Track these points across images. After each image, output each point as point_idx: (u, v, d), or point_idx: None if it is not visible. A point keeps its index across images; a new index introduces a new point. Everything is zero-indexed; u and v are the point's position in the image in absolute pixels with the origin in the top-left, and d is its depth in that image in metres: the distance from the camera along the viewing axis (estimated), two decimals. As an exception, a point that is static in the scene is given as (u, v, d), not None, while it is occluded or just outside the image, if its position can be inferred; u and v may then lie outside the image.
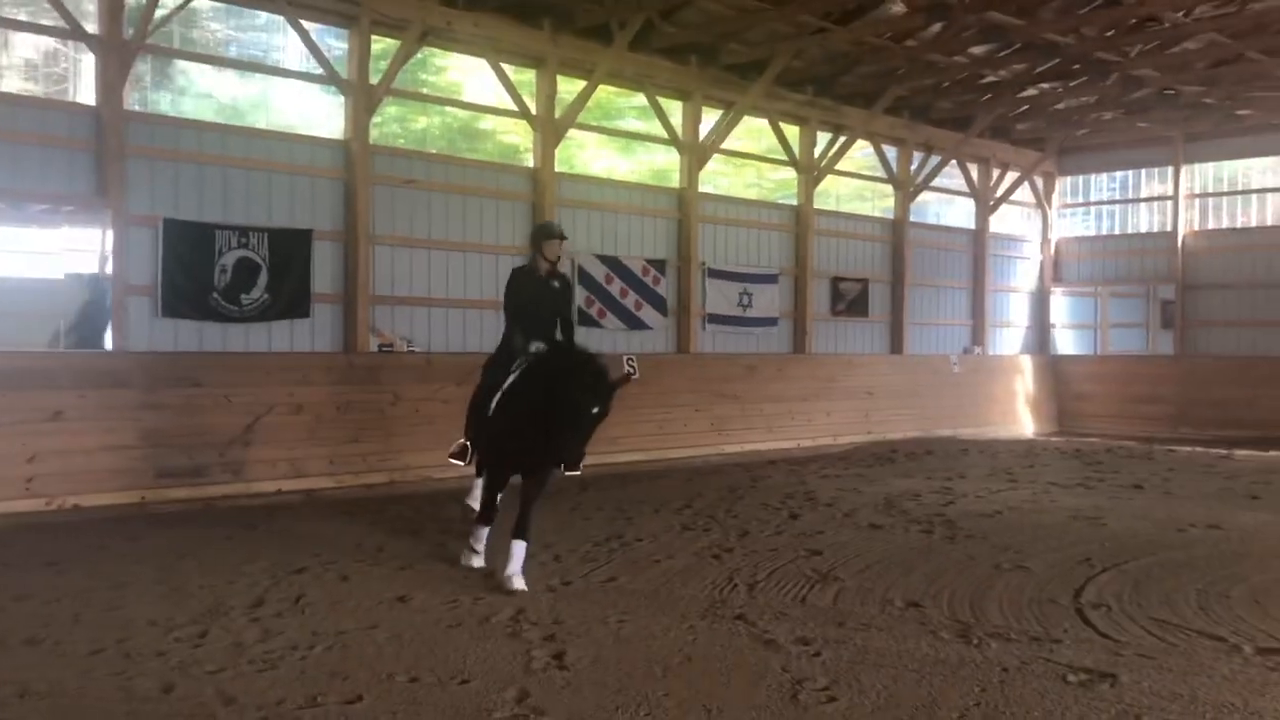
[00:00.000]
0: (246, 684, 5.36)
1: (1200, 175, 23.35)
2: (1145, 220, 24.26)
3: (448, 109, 15.52)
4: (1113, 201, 24.92)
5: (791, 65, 17.11)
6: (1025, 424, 22.97)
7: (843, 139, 19.54)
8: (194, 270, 12.38)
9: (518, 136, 15.92)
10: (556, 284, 8.65)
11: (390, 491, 12.36)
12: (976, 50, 17.52)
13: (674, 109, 17.28)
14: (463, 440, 8.49)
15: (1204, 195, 23.38)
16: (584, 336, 15.81)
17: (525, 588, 7.23)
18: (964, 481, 13.65)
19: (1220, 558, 8.69)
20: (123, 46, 11.84)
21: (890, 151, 21.22)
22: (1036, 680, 5.42)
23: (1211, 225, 23.13)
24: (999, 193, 23.42)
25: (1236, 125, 21.61)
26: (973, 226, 23.32)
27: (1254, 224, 22.77)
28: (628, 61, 15.75)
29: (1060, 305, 25.07)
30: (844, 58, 17.60)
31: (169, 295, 12.29)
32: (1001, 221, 23.88)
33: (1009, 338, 24.29)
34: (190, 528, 9.90)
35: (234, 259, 12.66)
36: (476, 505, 8.55)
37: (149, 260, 12.21)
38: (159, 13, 11.98)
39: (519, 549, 7.48)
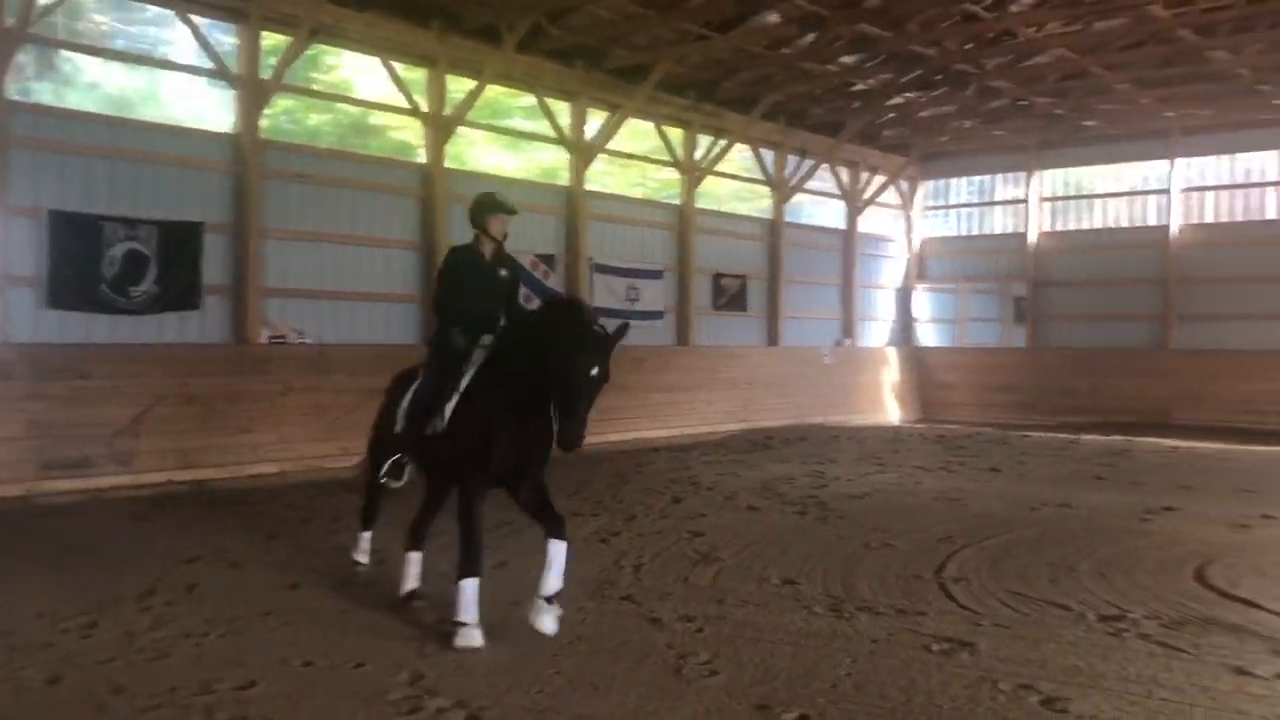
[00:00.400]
0: (137, 673, 5.33)
1: (1050, 181, 24.90)
2: (1001, 222, 25.74)
3: (339, 105, 15.63)
4: (971, 204, 26.39)
5: (674, 70, 17.69)
6: (891, 412, 24.15)
7: (723, 142, 20.26)
8: (81, 262, 12.21)
9: (408, 133, 16.11)
10: (505, 272, 6.89)
11: (282, 481, 12.48)
12: (847, 60, 18.39)
13: (561, 109, 17.68)
14: (398, 456, 6.74)
15: (1053, 199, 24.95)
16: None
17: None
18: (835, 466, 14.35)
19: (1069, 534, 9.35)
20: (4, 35, 11.63)
21: (767, 155, 22.03)
22: (903, 650, 5.83)
23: (1060, 227, 24.70)
24: (867, 195, 24.55)
25: (1083, 135, 23.11)
26: (843, 227, 24.37)
27: (1098, 226, 24.45)
28: (516, 63, 16.07)
29: (923, 301, 26.30)
30: (723, 65, 18.26)
31: (55, 287, 12.10)
32: (870, 222, 25.01)
33: (876, 331, 25.43)
34: (78, 520, 9.84)
35: (122, 251, 12.53)
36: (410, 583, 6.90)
37: (33, 251, 12.00)
38: (42, 2, 11.84)
39: (471, 590, 6.03)
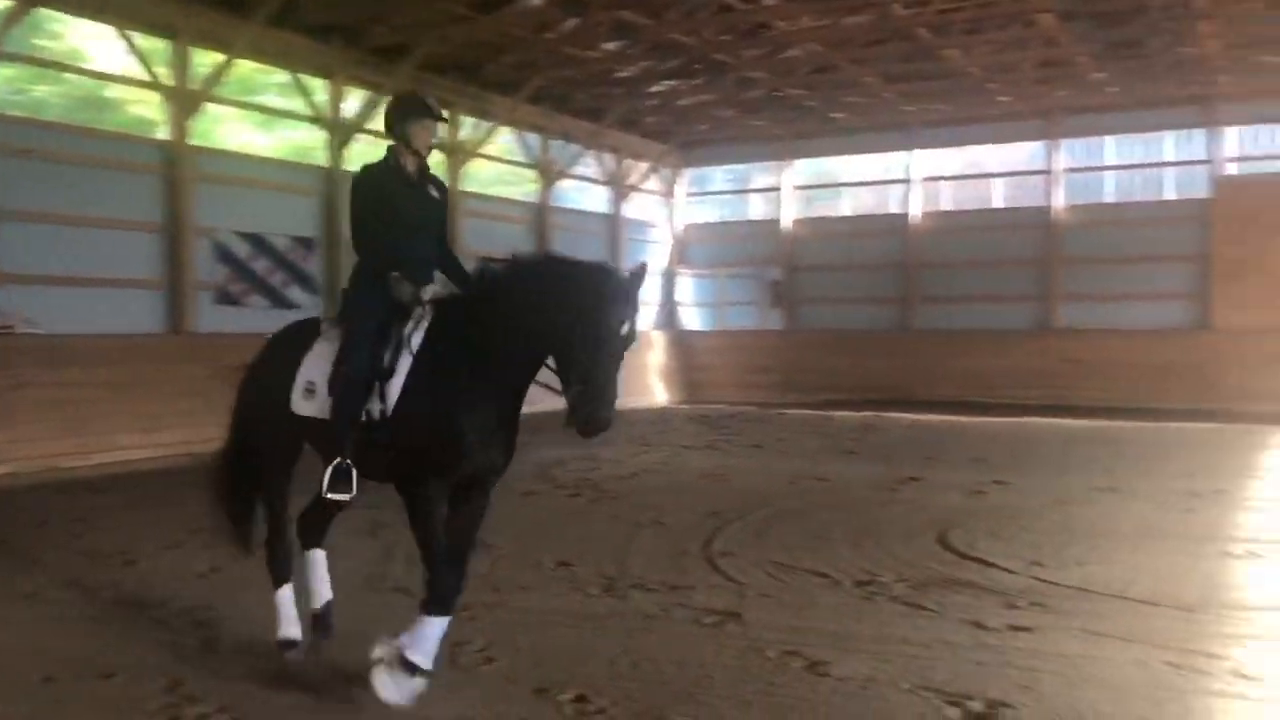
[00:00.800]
0: None
1: (803, 170, 26.12)
2: (758, 209, 26.76)
3: (68, 76, 14.41)
4: (730, 192, 27.29)
5: (438, 51, 17.35)
6: (658, 394, 24.67)
7: (488, 125, 20.06)
8: None
9: (149, 108, 15.07)
10: (434, 191, 5.40)
11: (13, 484, 11.47)
12: (609, 46, 18.58)
13: (318, 87, 17.00)
14: (338, 460, 4.93)
15: (807, 188, 26.19)
16: (228, 318, 15.38)
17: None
18: (606, 448, 14.48)
19: (825, 505, 9.88)
20: None
21: (533, 139, 22.00)
22: (675, 625, 5.98)
23: (813, 214, 25.94)
24: (631, 181, 24.97)
25: (832, 126, 24.33)
26: (609, 212, 24.68)
27: (847, 214, 25.85)
28: (268, 38, 15.32)
29: (686, 285, 27.02)
30: (488, 47, 18.06)
31: None
32: (635, 208, 25.45)
33: (642, 316, 25.85)
34: None
35: None
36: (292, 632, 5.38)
37: None
38: None
39: (437, 629, 4.78)
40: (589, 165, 23.87)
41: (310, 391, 5.12)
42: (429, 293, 5.14)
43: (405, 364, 4.90)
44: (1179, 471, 11.98)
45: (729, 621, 6.04)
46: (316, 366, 5.14)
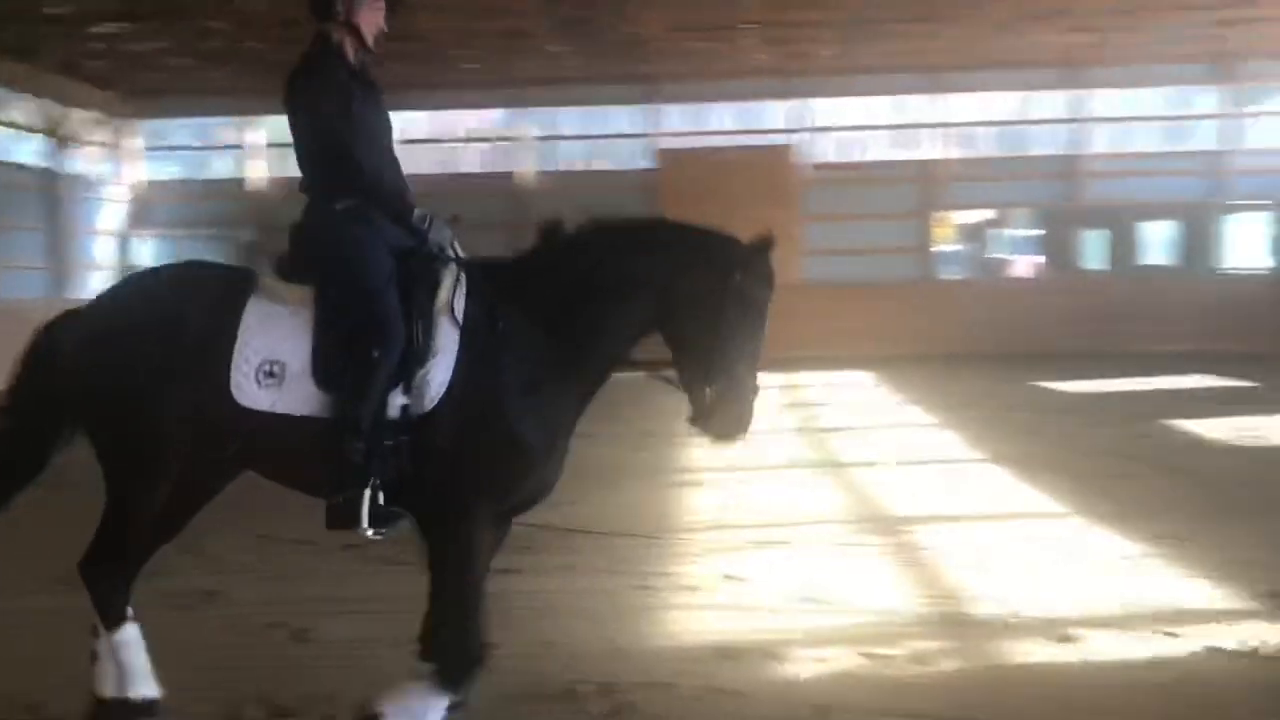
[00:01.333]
0: None
1: (273, 127, 25.09)
2: (228, 167, 25.35)
3: None
4: (194, 148, 25.53)
5: None
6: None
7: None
8: None
9: None
10: (382, 96, 4.31)
11: None
12: (34, -23, 16.52)
13: None
14: (373, 481, 3.74)
15: (278, 146, 25.19)
16: None
17: None
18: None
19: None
20: None
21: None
22: (147, 613, 5.54)
23: (285, 174, 25.07)
24: (74, 132, 22.47)
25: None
26: (48, 165, 22.03)
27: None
28: None
29: (146, 249, 24.82)
30: None
31: None
32: (81, 162, 22.99)
33: (100, 281, 23.56)
34: None
35: None
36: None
37: None
38: None
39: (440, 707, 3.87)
40: (22, 112, 21.06)
41: (273, 375, 3.68)
42: (440, 233, 4.03)
43: (450, 342, 3.69)
44: (634, 415, 13.27)
45: (208, 602, 5.85)
46: (279, 337, 3.73)
